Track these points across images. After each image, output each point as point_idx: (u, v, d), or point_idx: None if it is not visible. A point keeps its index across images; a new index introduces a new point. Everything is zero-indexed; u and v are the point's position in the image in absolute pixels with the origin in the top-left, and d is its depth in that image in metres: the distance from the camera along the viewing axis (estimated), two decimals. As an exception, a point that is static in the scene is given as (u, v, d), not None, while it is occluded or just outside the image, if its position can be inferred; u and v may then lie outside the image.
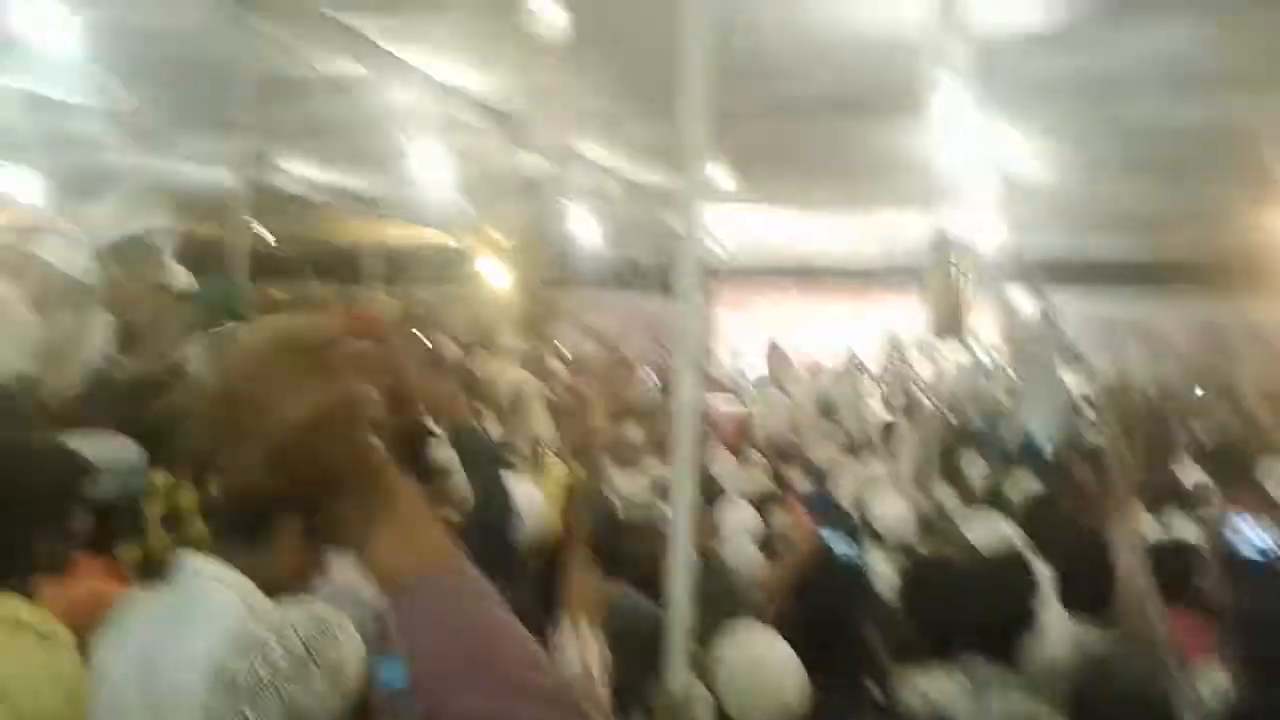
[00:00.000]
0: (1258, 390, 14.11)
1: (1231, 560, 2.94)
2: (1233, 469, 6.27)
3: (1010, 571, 2.83)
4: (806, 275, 18.99)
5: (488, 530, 3.32)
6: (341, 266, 19.82)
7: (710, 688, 2.56)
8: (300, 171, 14.34)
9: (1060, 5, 7.52)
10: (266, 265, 19.67)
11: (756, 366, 14.15)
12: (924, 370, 13.28)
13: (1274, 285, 16.30)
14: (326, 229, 18.69)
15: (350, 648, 1.51)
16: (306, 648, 1.49)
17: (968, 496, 6.16)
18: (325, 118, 11.24)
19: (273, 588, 2.00)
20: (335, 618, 1.55)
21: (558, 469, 4.77)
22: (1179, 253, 16.53)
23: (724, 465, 8.01)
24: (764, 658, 2.62)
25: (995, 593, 2.70)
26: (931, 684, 2.66)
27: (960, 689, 2.60)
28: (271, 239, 18.38)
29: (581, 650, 1.65)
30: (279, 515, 1.97)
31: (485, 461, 3.61)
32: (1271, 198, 12.29)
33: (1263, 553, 2.81)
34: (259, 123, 10.62)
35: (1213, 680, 2.62)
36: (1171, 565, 3.38)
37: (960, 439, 9.01)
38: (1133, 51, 8.30)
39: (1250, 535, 2.86)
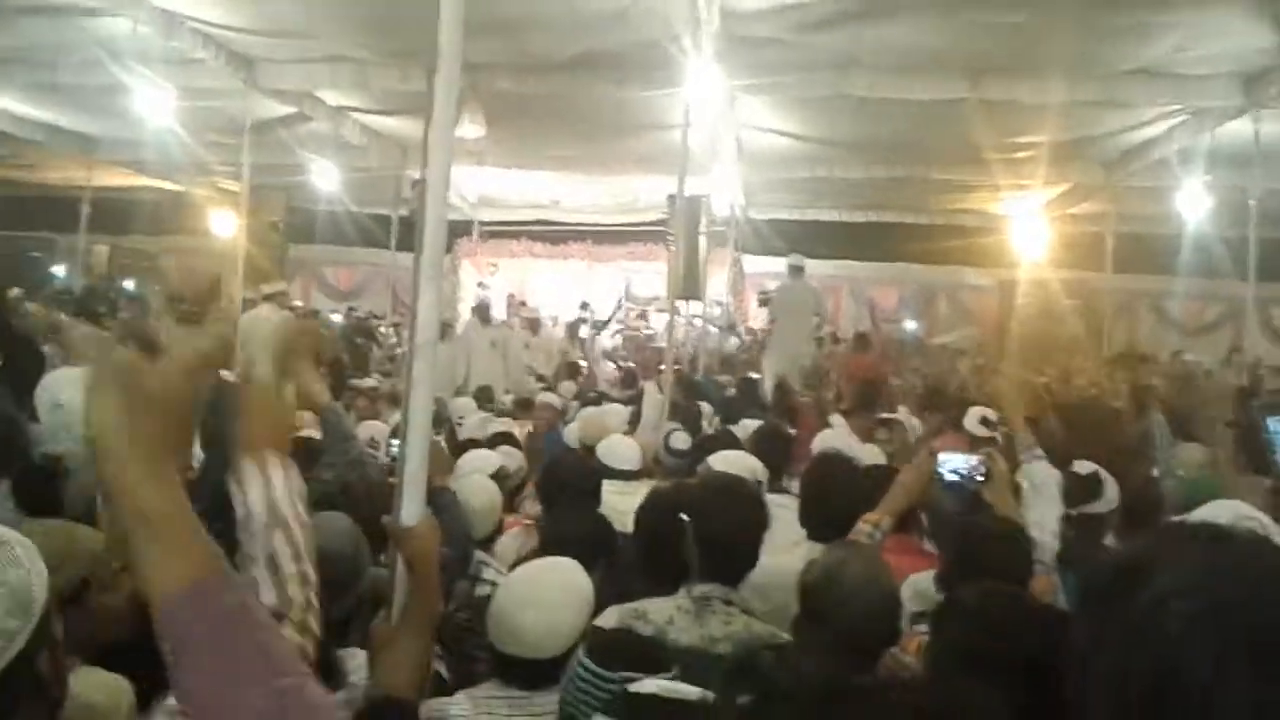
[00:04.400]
0: (960, 346, 15.52)
1: (938, 484, 3.28)
2: (941, 413, 6.86)
3: (736, 495, 2.96)
4: (547, 233, 19.12)
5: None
6: (49, 211, 18.31)
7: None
8: (6, 106, 13.05)
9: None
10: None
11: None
12: (662, 326, 13.71)
13: (976, 256, 17.93)
14: (31, 169, 17.14)
15: (34, 569, 1.43)
16: None
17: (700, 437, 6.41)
18: (34, 47, 10.26)
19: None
20: (14, 538, 1.46)
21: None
22: (895, 221, 17.84)
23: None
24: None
25: (719, 516, 2.83)
26: (652, 606, 2.75)
27: (681, 610, 2.71)
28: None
29: (268, 489, 1.60)
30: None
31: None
32: (980, 178, 13.41)
33: (958, 474, 3.18)
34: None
35: (918, 583, 2.93)
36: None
37: (693, 389, 9.37)
38: (871, 34, 8.81)
39: (951, 463, 3.21)
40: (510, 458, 5.14)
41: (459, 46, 2.30)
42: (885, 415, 6.98)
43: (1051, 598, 2.97)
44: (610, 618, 2.82)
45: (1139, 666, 0.98)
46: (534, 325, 14.19)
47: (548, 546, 3.36)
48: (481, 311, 13.35)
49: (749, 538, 2.90)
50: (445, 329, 10.97)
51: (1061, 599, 3.04)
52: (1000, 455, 3.42)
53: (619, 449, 5.07)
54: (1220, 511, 2.99)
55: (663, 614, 2.75)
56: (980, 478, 3.17)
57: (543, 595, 2.51)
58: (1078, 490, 4.29)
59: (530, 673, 2.45)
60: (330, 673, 2.12)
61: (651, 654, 2.22)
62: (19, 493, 2.98)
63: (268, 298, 10.46)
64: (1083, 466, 4.39)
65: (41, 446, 3.29)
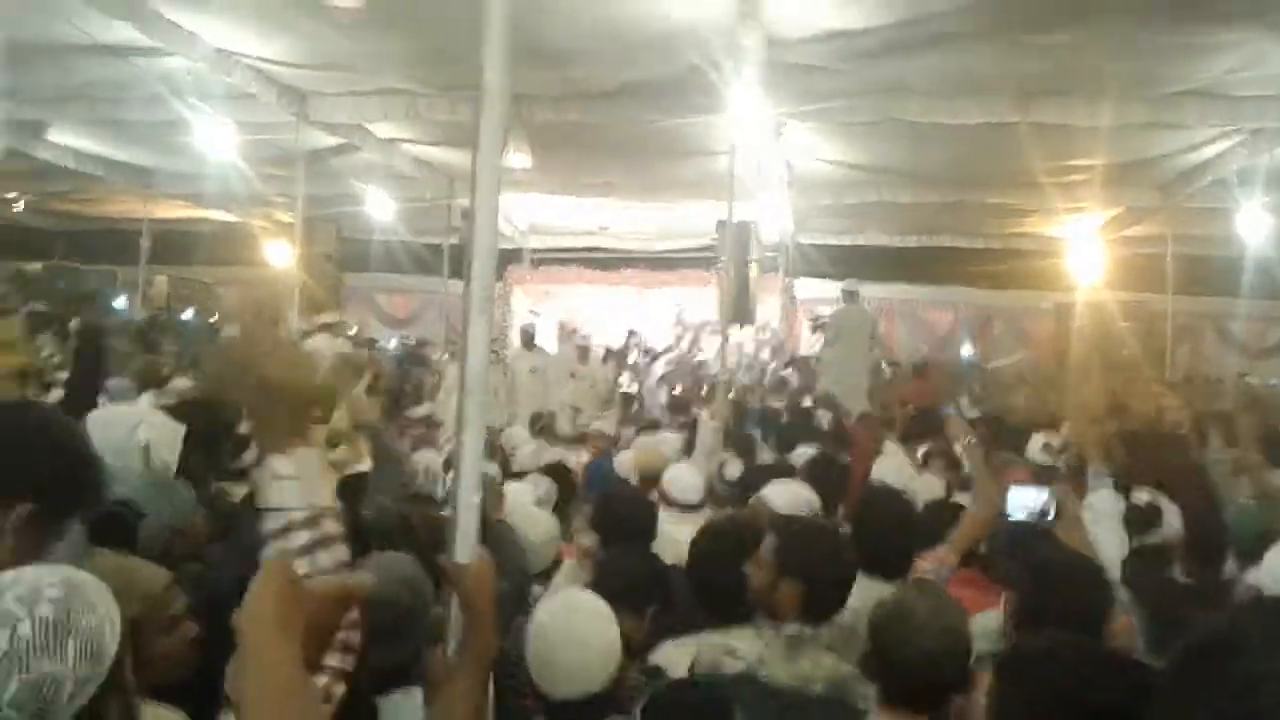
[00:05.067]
0: (1017, 371, 15.29)
1: (1006, 521, 3.18)
2: (1002, 442, 6.72)
3: (823, 537, 2.92)
4: (598, 259, 19.15)
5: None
6: (107, 243, 18.71)
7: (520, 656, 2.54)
8: (69, 142, 13.37)
9: (854, 9, 7.79)
10: (13, 237, 18.39)
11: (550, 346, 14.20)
12: (713, 352, 13.63)
13: (1032, 280, 17.70)
14: (93, 203, 17.54)
15: (108, 615, 1.42)
16: (57, 614, 1.40)
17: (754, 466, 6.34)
18: (95, 84, 10.51)
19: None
20: (90, 581, 1.45)
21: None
22: (948, 245, 17.67)
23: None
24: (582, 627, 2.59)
25: (811, 557, 2.79)
26: (741, 642, 2.71)
27: (771, 648, 2.67)
28: (19, 207, 17.18)
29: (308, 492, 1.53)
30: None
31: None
32: (1034, 201, 13.26)
33: (1030, 513, 3.07)
34: (23, 88, 9.87)
35: (986, 622, 2.85)
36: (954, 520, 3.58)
37: (747, 416, 9.32)
38: (920, 58, 8.75)
39: (1020, 499, 3.11)
40: (537, 485, 5.10)
41: (504, 79, 2.29)
42: (932, 447, 6.84)
43: (1130, 639, 2.87)
44: (687, 652, 2.78)
45: None
46: (583, 354, 13.58)
47: (601, 585, 3.32)
48: (525, 337, 13.02)
49: (839, 580, 2.86)
50: (492, 356, 10.83)
51: (1140, 642, 2.93)
52: (1071, 490, 3.32)
53: (684, 480, 5.03)
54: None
55: (753, 651, 2.72)
56: (1051, 515, 3.06)
57: (578, 633, 2.47)
58: (1138, 520, 4.18)
59: (573, 711, 2.42)
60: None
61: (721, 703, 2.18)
62: (96, 533, 2.94)
63: (324, 327, 10.56)
64: (1140, 495, 4.29)
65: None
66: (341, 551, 1.60)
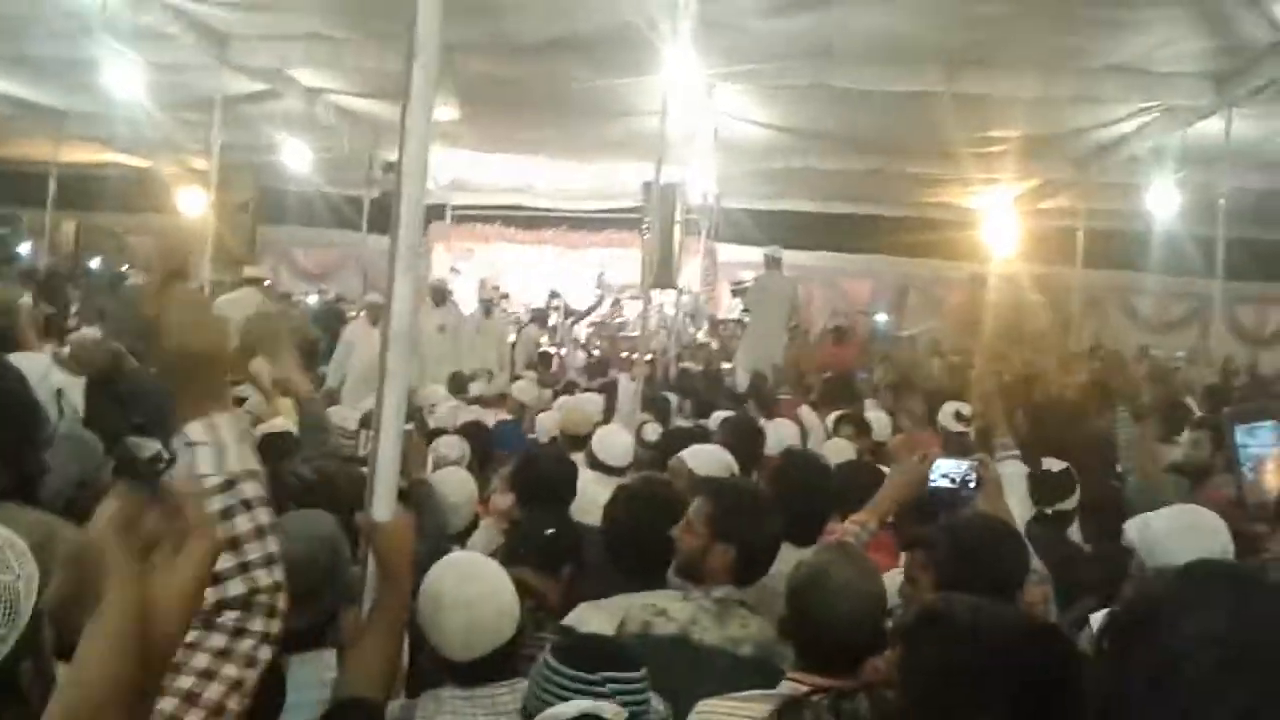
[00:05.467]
0: (931, 339, 15.59)
1: (927, 488, 3.25)
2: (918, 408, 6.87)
3: (757, 503, 2.95)
4: (521, 218, 19.00)
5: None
6: (12, 185, 18.01)
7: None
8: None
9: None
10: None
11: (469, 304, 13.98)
12: (634, 314, 13.66)
13: (948, 250, 18.00)
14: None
15: (23, 573, 1.38)
16: None
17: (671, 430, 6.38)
18: (6, 19, 10.07)
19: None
20: (5, 538, 1.41)
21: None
22: (869, 213, 17.87)
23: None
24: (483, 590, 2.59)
25: (746, 523, 2.82)
26: (671, 604, 2.74)
27: (702, 611, 2.71)
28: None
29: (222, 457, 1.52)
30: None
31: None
32: (953, 171, 13.45)
33: (949, 479, 3.13)
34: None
35: (890, 583, 2.92)
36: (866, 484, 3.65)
37: (665, 380, 9.38)
38: (849, 21, 8.78)
39: (942, 468, 3.17)
40: (451, 448, 5.08)
41: (438, 29, 2.25)
42: (846, 410, 6.95)
43: (1044, 609, 2.95)
44: (606, 614, 2.81)
45: (1163, 714, 0.95)
46: (486, 308, 13.15)
47: (514, 547, 3.33)
48: (436, 294, 12.34)
49: (769, 544, 2.91)
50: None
51: (1054, 610, 3.02)
52: (988, 459, 3.39)
53: (613, 443, 5.00)
54: (1182, 517, 3.01)
55: (685, 613, 2.76)
56: (973, 484, 3.13)
57: (464, 595, 2.45)
58: (1049, 488, 4.30)
59: (476, 671, 2.41)
60: (273, 683, 2.04)
61: (627, 654, 2.20)
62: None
63: (249, 281, 10.31)
64: (1053, 464, 4.41)
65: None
66: (263, 515, 1.58)
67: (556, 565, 3.22)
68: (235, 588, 1.54)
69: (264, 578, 1.56)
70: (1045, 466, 4.36)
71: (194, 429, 1.57)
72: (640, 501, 3.38)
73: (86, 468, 2.94)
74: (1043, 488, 4.25)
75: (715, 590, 2.79)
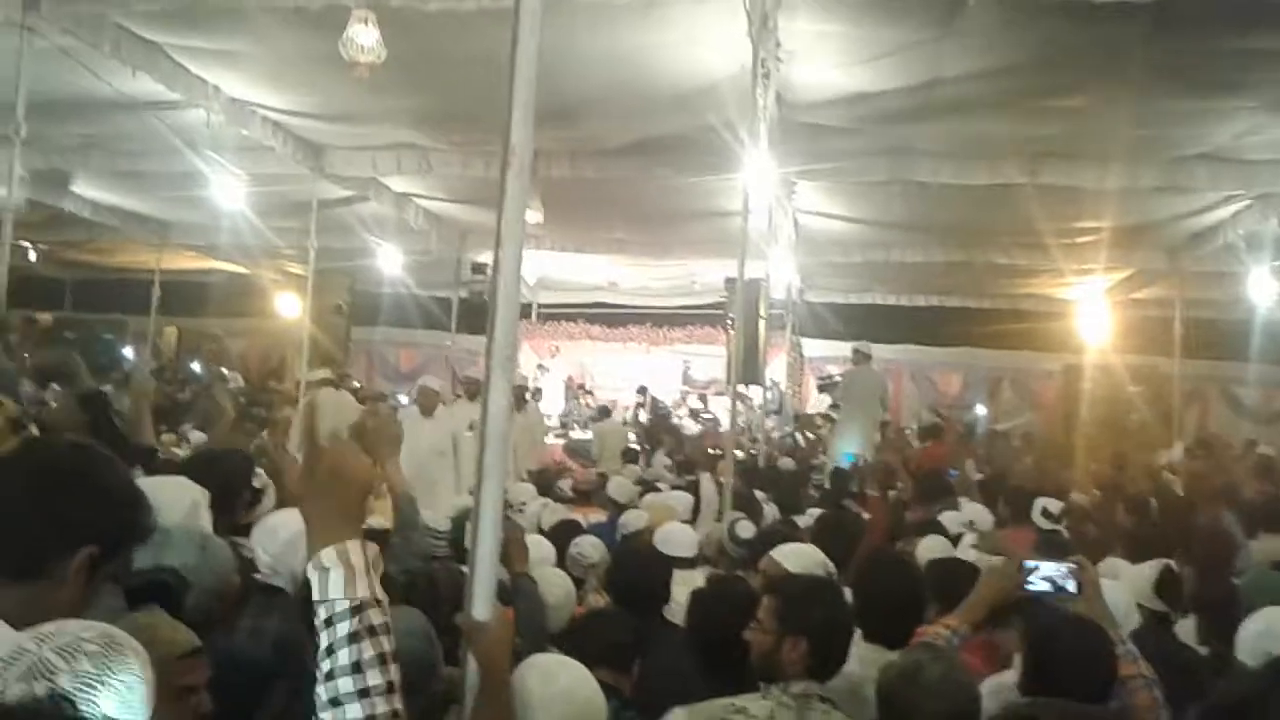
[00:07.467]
0: (1024, 433, 15.23)
1: (1025, 592, 3.12)
2: (1010, 505, 6.68)
3: (824, 593, 2.89)
4: (606, 315, 19.18)
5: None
6: (119, 293, 18.77)
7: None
8: (89, 193, 13.48)
9: (867, 72, 7.88)
10: (25, 287, 18.42)
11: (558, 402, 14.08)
12: (723, 411, 13.57)
13: (1040, 341, 17.70)
14: (106, 253, 17.64)
15: (142, 672, 1.40)
16: (96, 667, 1.39)
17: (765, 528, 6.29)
18: (115, 136, 10.63)
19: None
20: (128, 639, 1.44)
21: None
22: (956, 305, 17.69)
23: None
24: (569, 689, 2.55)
25: (814, 614, 2.76)
26: (750, 704, 2.68)
27: (781, 707, 2.63)
28: (32, 256, 17.25)
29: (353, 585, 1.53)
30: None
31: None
32: (1042, 262, 13.30)
33: (1048, 582, 3.00)
34: (44, 139, 9.94)
35: (996, 685, 2.80)
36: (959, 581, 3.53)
37: (755, 476, 9.25)
38: (930, 121, 8.84)
39: (1040, 570, 3.04)
40: (596, 549, 5.07)
41: (530, 137, 2.30)
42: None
43: (1154, 715, 2.80)
44: (701, 715, 2.76)
45: None
46: (518, 399, 11.84)
47: (586, 647, 3.30)
48: (516, 394, 11.85)
49: (842, 632, 2.84)
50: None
51: (1164, 716, 2.86)
52: (1088, 561, 3.26)
53: (676, 536, 5.04)
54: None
55: (763, 711, 2.67)
56: (1072, 588, 2.99)
57: (549, 693, 2.41)
58: (1167, 588, 4.12)
59: None
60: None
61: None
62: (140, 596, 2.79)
63: (324, 382, 10.45)
64: (1156, 564, 4.24)
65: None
66: (385, 643, 1.60)
67: (627, 663, 3.20)
68: (354, 712, 1.55)
69: (382, 704, 1.57)
70: (1148, 566, 4.19)
71: (327, 554, 1.61)
72: (715, 601, 3.38)
73: (219, 577, 2.90)
74: (1161, 588, 4.08)
75: (793, 686, 2.71)
